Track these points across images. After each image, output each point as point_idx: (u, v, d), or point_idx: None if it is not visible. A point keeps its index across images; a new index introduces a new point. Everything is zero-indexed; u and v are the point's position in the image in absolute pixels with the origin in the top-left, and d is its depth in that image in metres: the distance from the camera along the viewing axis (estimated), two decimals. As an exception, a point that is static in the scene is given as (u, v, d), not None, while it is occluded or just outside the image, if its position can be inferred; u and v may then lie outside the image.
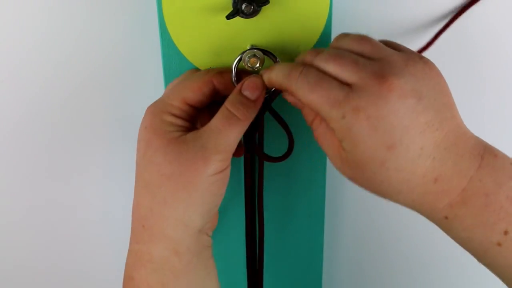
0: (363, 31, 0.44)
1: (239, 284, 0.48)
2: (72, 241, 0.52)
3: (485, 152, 0.31)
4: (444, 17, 0.45)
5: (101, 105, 0.46)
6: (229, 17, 0.35)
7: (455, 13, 0.44)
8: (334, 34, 0.42)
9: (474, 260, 0.34)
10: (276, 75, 0.34)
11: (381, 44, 0.32)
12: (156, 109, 0.36)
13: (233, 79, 0.37)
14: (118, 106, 0.47)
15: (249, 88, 0.35)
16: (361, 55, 0.31)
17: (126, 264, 0.37)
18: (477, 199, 0.30)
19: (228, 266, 0.48)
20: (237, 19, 0.36)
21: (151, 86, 0.45)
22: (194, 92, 0.36)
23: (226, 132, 0.34)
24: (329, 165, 0.48)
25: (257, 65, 0.37)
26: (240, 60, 0.37)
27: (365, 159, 0.30)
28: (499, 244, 0.30)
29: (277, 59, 0.37)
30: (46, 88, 0.46)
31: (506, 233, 0.30)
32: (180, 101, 0.36)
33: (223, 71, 0.37)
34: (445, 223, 0.32)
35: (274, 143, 0.43)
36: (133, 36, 0.44)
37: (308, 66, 0.32)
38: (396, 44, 0.33)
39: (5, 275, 0.53)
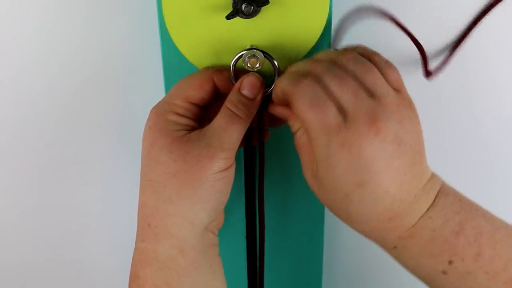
0: (363, 31, 0.44)
1: (239, 283, 0.48)
2: (76, 241, 0.52)
3: (439, 192, 0.33)
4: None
5: (101, 105, 0.46)
6: (229, 17, 0.35)
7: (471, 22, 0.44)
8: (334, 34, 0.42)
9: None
10: (282, 83, 0.34)
11: (383, 79, 0.33)
12: (160, 109, 0.36)
13: (232, 77, 0.37)
14: (118, 106, 0.47)
15: (248, 88, 0.36)
16: (363, 84, 0.32)
17: (132, 262, 0.37)
18: (424, 233, 0.32)
19: (229, 265, 0.48)
20: (237, 19, 0.36)
21: (151, 86, 0.45)
22: (196, 90, 0.36)
23: (230, 130, 0.34)
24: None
25: (257, 65, 0.37)
26: (238, 59, 0.37)
27: (332, 186, 0.32)
28: (444, 273, 0.33)
29: (275, 61, 0.37)
30: (46, 88, 0.46)
31: (450, 262, 0.32)
32: (182, 99, 0.36)
33: (223, 69, 0.38)
34: (394, 252, 0.34)
35: (273, 143, 0.43)
36: (133, 36, 0.44)
37: (314, 79, 0.32)
38: (393, 69, 0.34)
39: (6, 275, 0.53)
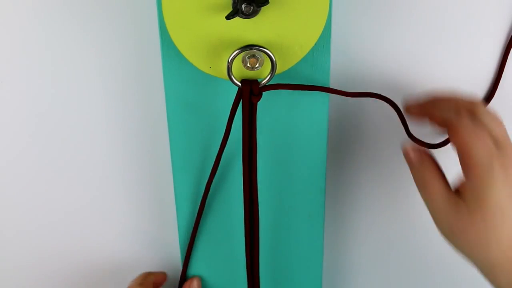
0: (363, 31, 0.44)
1: (240, 281, 0.48)
2: (76, 241, 0.52)
3: None
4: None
5: (101, 105, 0.46)
6: (228, 17, 0.35)
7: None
8: (334, 34, 0.42)
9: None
10: (441, 112, 0.40)
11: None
12: None
13: (228, 76, 0.37)
14: (117, 106, 0.47)
15: None
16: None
17: None
18: None
19: (229, 263, 0.48)
20: (237, 20, 0.36)
21: (151, 86, 0.45)
22: None
23: None
24: (329, 165, 0.48)
25: (257, 65, 0.37)
26: (235, 56, 0.37)
27: (488, 207, 0.35)
28: None
29: (274, 59, 0.37)
30: (46, 88, 0.46)
31: None
32: None
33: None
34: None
35: (270, 142, 0.43)
36: (133, 36, 0.44)
37: (469, 117, 0.38)
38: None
39: (6, 275, 0.53)
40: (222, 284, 0.49)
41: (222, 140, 0.41)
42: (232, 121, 0.40)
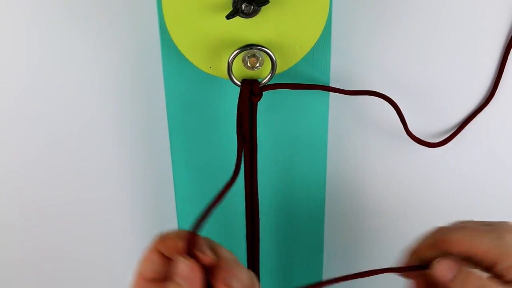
0: (363, 31, 0.44)
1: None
2: (76, 241, 0.52)
3: None
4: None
5: (101, 105, 0.46)
6: (229, 17, 0.35)
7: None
8: (334, 34, 0.42)
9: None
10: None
11: None
12: None
13: (228, 76, 0.37)
14: (117, 106, 0.47)
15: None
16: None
17: None
18: None
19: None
20: (237, 19, 0.36)
21: (151, 86, 0.45)
22: (146, 264, 0.34)
23: None
24: (329, 165, 0.48)
25: (257, 65, 0.37)
26: (235, 56, 0.37)
27: None
28: None
29: (274, 58, 0.37)
30: (46, 88, 0.46)
31: None
32: (138, 279, 0.34)
33: (166, 236, 0.35)
34: None
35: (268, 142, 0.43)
36: (133, 36, 0.44)
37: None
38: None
39: (6, 275, 0.53)
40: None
41: (238, 146, 0.40)
42: (243, 122, 0.40)
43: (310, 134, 0.43)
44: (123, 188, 0.50)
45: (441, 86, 0.47)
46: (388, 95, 0.43)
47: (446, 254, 0.35)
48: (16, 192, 0.50)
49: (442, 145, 0.47)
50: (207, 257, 0.32)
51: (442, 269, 0.35)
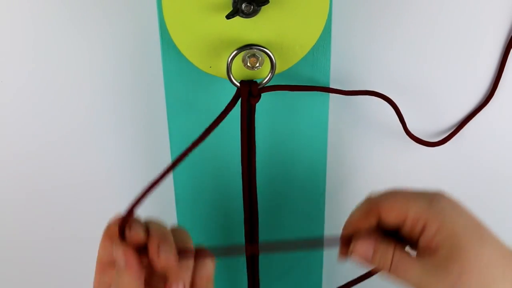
0: (363, 31, 0.44)
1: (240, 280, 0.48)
2: (76, 241, 0.52)
3: None
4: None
5: (100, 105, 0.46)
6: (229, 16, 0.35)
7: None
8: (334, 34, 0.42)
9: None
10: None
11: None
12: None
13: (228, 76, 0.37)
14: (117, 106, 0.47)
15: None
16: None
17: None
18: None
19: (229, 263, 0.48)
20: (237, 19, 0.36)
21: (151, 86, 0.45)
22: (103, 250, 0.37)
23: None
24: (329, 165, 0.48)
25: (257, 64, 0.37)
26: (234, 56, 0.37)
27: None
28: None
29: (274, 59, 0.37)
30: (46, 88, 0.46)
31: None
32: (98, 270, 0.38)
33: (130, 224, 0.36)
34: None
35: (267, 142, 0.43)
36: (133, 36, 0.44)
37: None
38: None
39: (6, 275, 0.53)
40: (222, 284, 0.49)
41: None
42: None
43: (310, 134, 0.43)
44: (123, 188, 0.50)
45: (440, 86, 0.47)
46: (387, 95, 0.43)
47: (380, 223, 0.35)
48: (16, 191, 0.50)
49: (441, 144, 0.48)
50: (138, 236, 0.34)
51: (359, 249, 0.35)
